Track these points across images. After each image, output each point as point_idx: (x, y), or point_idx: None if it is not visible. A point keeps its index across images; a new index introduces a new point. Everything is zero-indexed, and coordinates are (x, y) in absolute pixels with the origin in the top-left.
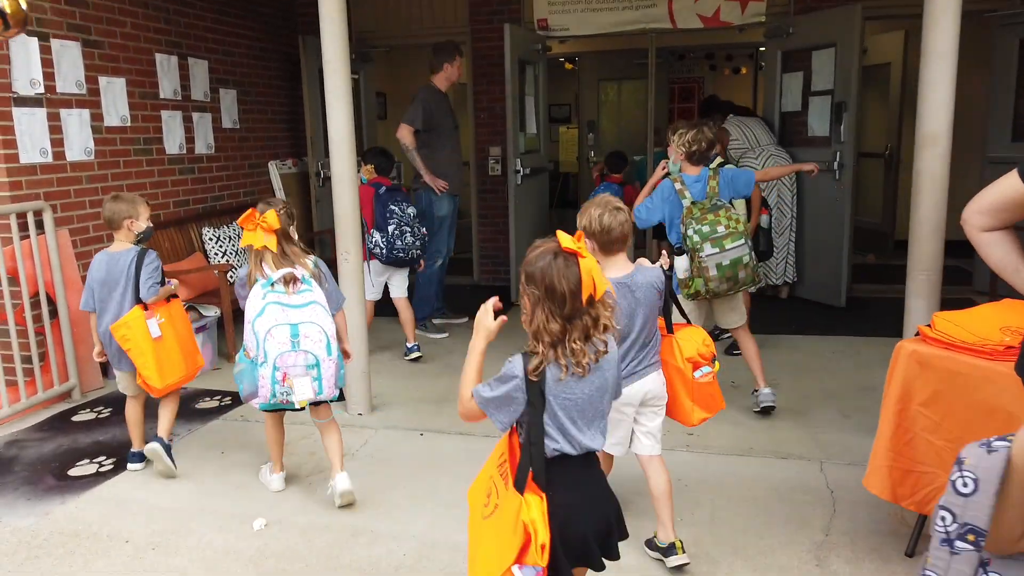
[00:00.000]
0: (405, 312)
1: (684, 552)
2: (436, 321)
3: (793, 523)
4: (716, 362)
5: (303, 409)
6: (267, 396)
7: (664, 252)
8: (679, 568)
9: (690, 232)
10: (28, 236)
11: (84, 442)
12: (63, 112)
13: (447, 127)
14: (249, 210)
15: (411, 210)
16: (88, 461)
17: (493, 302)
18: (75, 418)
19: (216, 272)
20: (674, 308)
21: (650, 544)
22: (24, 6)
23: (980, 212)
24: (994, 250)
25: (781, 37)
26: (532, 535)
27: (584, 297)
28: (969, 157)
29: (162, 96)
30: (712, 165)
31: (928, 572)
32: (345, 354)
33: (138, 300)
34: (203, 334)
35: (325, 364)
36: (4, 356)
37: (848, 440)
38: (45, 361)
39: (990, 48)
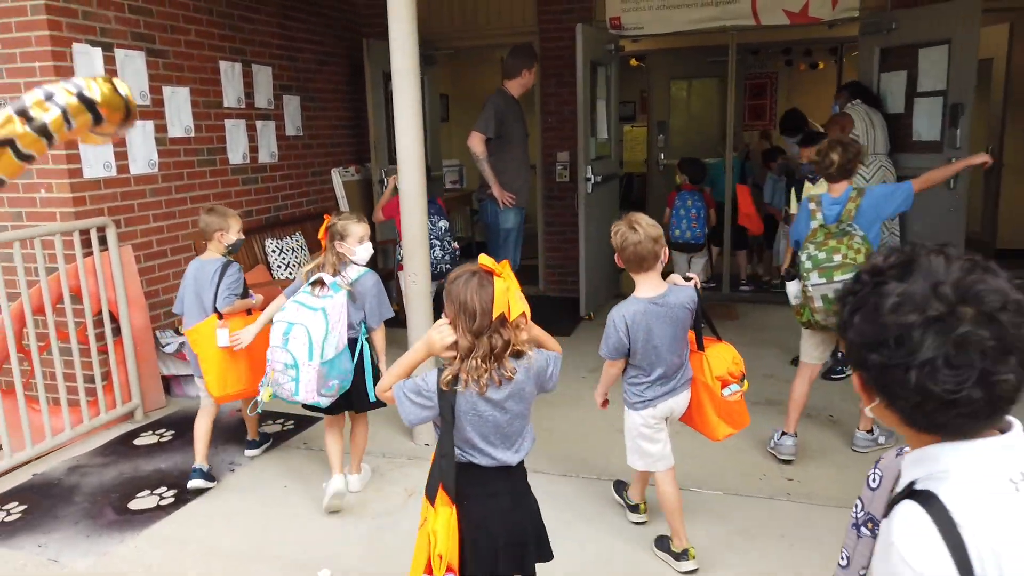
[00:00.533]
0: None
1: (694, 559)
2: None
3: None
4: (745, 381)
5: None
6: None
7: (693, 274)
8: (689, 573)
9: (803, 257)
10: (91, 253)
11: (145, 470)
12: None
13: (518, 136)
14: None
15: (443, 223)
16: (149, 492)
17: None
18: (137, 441)
19: (281, 288)
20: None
21: (660, 545)
22: (124, 92)
23: None
24: None
25: (881, 33)
26: (431, 545)
27: (494, 315)
28: None
29: (226, 105)
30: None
31: (844, 551)
32: (377, 373)
33: (216, 308)
34: None
35: (304, 368)
36: (67, 375)
37: None
38: (108, 381)
39: None
